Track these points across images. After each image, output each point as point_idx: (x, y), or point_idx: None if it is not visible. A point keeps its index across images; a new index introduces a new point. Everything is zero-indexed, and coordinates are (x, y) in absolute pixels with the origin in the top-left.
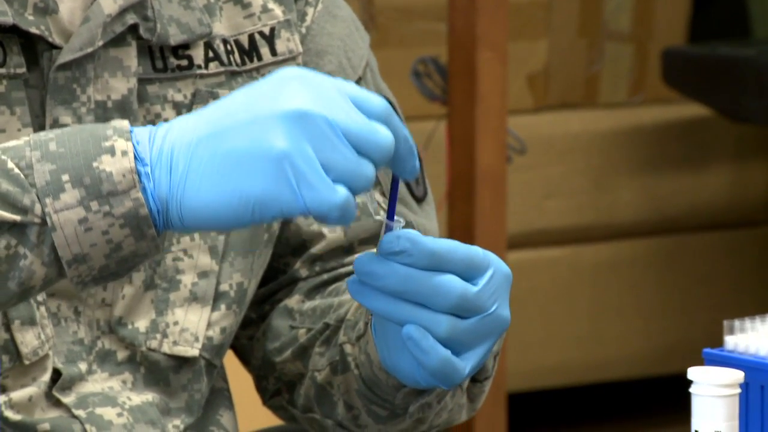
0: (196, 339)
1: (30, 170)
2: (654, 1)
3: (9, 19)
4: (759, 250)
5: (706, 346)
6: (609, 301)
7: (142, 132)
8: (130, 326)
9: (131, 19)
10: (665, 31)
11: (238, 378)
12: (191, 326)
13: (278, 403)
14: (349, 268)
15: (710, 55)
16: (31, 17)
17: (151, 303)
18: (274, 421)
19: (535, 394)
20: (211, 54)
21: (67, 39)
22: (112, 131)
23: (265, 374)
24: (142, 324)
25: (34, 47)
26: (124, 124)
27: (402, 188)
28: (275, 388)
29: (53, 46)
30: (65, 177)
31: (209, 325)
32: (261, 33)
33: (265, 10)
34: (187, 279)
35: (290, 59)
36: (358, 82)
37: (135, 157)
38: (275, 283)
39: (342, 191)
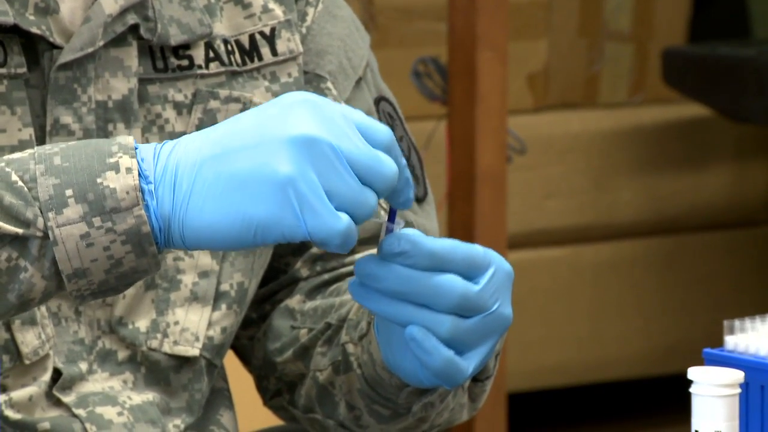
0: (197, 339)
1: (34, 183)
2: (654, 1)
3: (10, 19)
4: (759, 250)
5: (706, 346)
6: (609, 301)
7: (146, 149)
8: (130, 326)
9: (132, 19)
10: (665, 31)
11: (238, 378)
12: (192, 326)
13: (279, 404)
14: (350, 267)
15: (710, 55)
16: (32, 17)
17: (151, 303)
18: (274, 421)
19: (535, 394)
20: (211, 54)
21: (67, 39)
22: (117, 147)
23: (266, 374)
24: (142, 324)
25: (34, 47)
26: (129, 140)
27: None
28: (276, 388)
29: (54, 46)
30: (69, 192)
31: (210, 324)
32: (261, 33)
33: (265, 10)
34: (188, 279)
35: (291, 59)
36: (359, 82)
37: (139, 175)
38: (276, 283)
39: (344, 219)
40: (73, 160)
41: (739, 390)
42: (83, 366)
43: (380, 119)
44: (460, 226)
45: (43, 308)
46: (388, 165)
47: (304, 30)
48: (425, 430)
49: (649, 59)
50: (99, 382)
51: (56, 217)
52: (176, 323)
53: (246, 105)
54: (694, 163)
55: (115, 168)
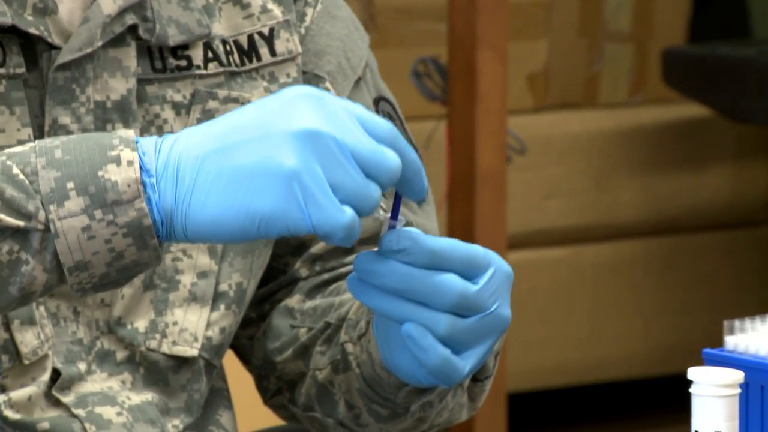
0: (196, 339)
1: (35, 177)
2: (654, 1)
3: (8, 19)
4: (759, 250)
5: (706, 346)
6: (609, 301)
7: (147, 143)
8: (129, 326)
9: (130, 19)
10: (665, 31)
11: (238, 378)
12: (190, 326)
13: (279, 403)
14: (350, 267)
15: (710, 55)
16: (30, 18)
17: (150, 303)
18: (274, 421)
19: (535, 394)
20: (210, 54)
21: (66, 39)
22: (118, 140)
23: (266, 374)
24: (141, 324)
25: (33, 47)
26: (130, 133)
27: None
28: (276, 387)
29: (52, 47)
30: (70, 185)
31: (208, 325)
32: (260, 33)
33: (264, 10)
34: (187, 279)
35: (289, 60)
36: (358, 82)
37: (140, 168)
38: (275, 283)
39: (349, 212)
40: (74, 153)
41: (739, 390)
42: (82, 366)
43: None
44: (460, 227)
45: (41, 308)
46: (391, 158)
47: (302, 30)
48: (425, 430)
49: (649, 59)
50: (98, 383)
51: (57, 209)
52: (175, 323)
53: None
54: (694, 163)
55: (117, 161)
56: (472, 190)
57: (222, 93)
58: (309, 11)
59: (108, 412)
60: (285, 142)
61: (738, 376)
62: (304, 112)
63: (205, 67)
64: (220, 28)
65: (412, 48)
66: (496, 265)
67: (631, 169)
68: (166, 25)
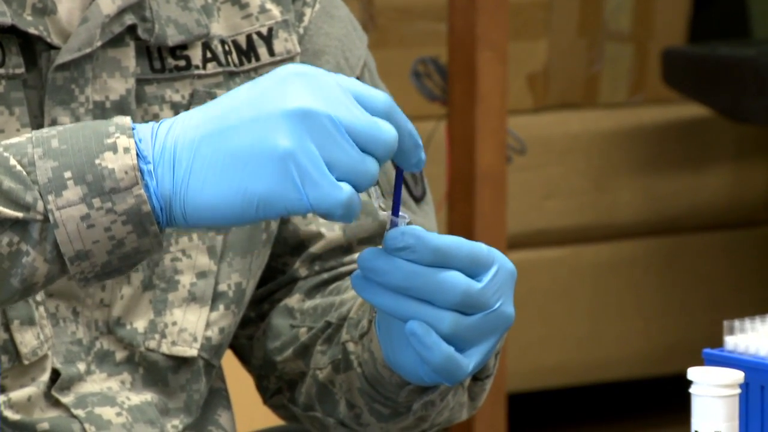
0: (195, 339)
1: (32, 167)
2: (654, 1)
3: (8, 19)
4: (759, 250)
5: (706, 346)
6: (609, 301)
7: (144, 129)
8: (128, 326)
9: (129, 19)
10: (665, 31)
11: (238, 378)
12: (190, 326)
13: (279, 402)
14: (349, 267)
15: (710, 55)
16: (29, 18)
17: (149, 303)
18: (274, 421)
19: (535, 395)
20: (209, 54)
21: (65, 39)
22: (114, 128)
23: (266, 373)
24: (140, 324)
25: (32, 48)
26: (126, 120)
27: None
28: (276, 387)
29: (52, 47)
30: (67, 174)
31: (208, 325)
32: (259, 33)
33: (262, 10)
34: (186, 279)
35: (288, 59)
36: None
37: (137, 154)
38: (274, 282)
39: (346, 189)
40: (70, 142)
41: (738, 390)
42: (81, 366)
43: None
44: (459, 227)
45: (41, 309)
46: (387, 131)
47: (301, 30)
48: (425, 429)
49: (649, 59)
50: (97, 383)
51: (56, 199)
52: (174, 324)
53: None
54: (694, 163)
55: (113, 148)
56: (472, 190)
57: (221, 93)
58: (307, 11)
59: (107, 412)
60: (278, 122)
61: (738, 376)
62: (296, 90)
63: (204, 67)
64: (218, 28)
65: (412, 48)
66: (500, 262)
67: (631, 170)
68: (164, 25)
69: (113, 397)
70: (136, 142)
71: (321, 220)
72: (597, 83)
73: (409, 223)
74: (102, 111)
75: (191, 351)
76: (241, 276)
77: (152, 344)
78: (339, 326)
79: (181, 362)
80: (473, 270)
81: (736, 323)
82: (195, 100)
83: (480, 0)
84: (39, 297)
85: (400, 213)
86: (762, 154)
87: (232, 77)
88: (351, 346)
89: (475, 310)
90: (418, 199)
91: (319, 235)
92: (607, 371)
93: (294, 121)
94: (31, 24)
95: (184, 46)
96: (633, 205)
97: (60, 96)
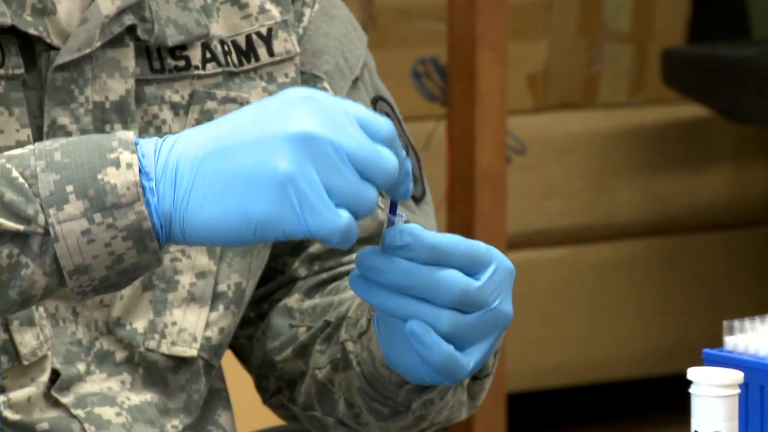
0: (195, 339)
1: (34, 180)
2: (654, 1)
3: (7, 20)
4: (759, 250)
5: (706, 346)
6: (609, 301)
7: (147, 144)
8: (128, 327)
9: (129, 20)
10: (665, 31)
11: (238, 378)
12: (189, 326)
13: (279, 402)
14: (349, 267)
15: (710, 55)
16: (29, 18)
17: (149, 303)
18: (273, 421)
19: (535, 394)
20: (208, 55)
21: (65, 40)
22: (118, 143)
23: (265, 373)
24: (140, 324)
25: (32, 48)
26: (129, 135)
27: None
28: (276, 386)
29: (51, 47)
30: (69, 188)
31: (207, 325)
32: (258, 34)
33: (262, 10)
34: (185, 279)
35: (287, 60)
36: (356, 82)
37: (140, 170)
38: (274, 282)
39: (345, 215)
40: (73, 155)
41: (738, 390)
42: (81, 367)
43: None
44: (459, 227)
45: (41, 309)
46: (388, 159)
47: (300, 30)
48: (424, 428)
49: (649, 59)
50: (97, 383)
51: (57, 213)
52: (174, 324)
53: (243, 106)
54: (694, 163)
55: (116, 163)
56: (471, 190)
57: (220, 93)
58: (307, 11)
59: (107, 412)
60: (280, 145)
61: (737, 376)
62: (300, 114)
63: (204, 68)
64: (218, 29)
65: (412, 48)
66: (498, 261)
67: (631, 170)
68: (164, 25)
69: (113, 397)
70: (139, 158)
71: None
72: (597, 83)
73: (406, 221)
74: (101, 111)
75: (191, 351)
76: (240, 276)
77: (152, 344)
78: (338, 325)
79: (180, 362)
80: (471, 268)
81: (736, 323)
82: (194, 100)
83: (480, 0)
84: None
85: (398, 212)
86: (762, 154)
87: (231, 77)
88: (350, 346)
89: (474, 308)
90: (417, 200)
91: None
92: (607, 371)
93: (296, 145)
94: (31, 24)
95: (183, 47)
96: (633, 205)
97: (59, 96)
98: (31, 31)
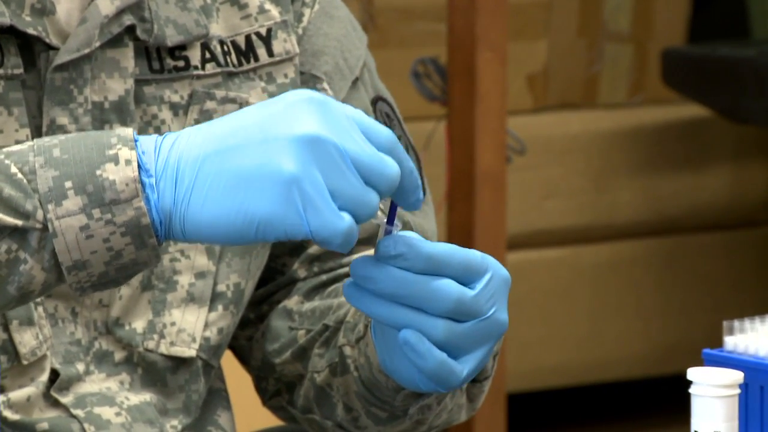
0: (194, 339)
1: (33, 176)
2: (654, 1)
3: (6, 20)
4: (759, 250)
5: (706, 346)
6: (609, 301)
7: (147, 141)
8: (127, 327)
9: (128, 20)
10: (665, 31)
11: (237, 378)
12: (188, 327)
13: (278, 404)
14: (348, 268)
15: (710, 56)
16: (28, 18)
17: (148, 304)
18: (273, 421)
19: (535, 395)
20: (207, 55)
21: (64, 40)
22: (117, 139)
23: (264, 375)
24: (139, 325)
25: (31, 48)
26: (128, 132)
27: None
28: (275, 388)
29: (50, 47)
30: (68, 184)
31: (206, 325)
32: (258, 34)
33: (261, 11)
34: (184, 280)
35: (287, 60)
36: (355, 82)
37: (139, 167)
38: (273, 284)
39: (347, 219)
40: (72, 152)
41: (738, 390)
42: (80, 367)
43: (377, 119)
44: (459, 227)
45: (40, 309)
46: (391, 166)
47: (300, 31)
48: (423, 431)
49: (649, 59)
50: (96, 383)
51: (56, 208)
52: (173, 324)
53: (242, 106)
54: (694, 163)
55: (115, 160)
56: (471, 190)
57: (220, 93)
58: (306, 11)
59: (107, 412)
60: (285, 146)
61: (737, 376)
62: (305, 117)
63: (203, 68)
64: (217, 29)
65: (412, 48)
66: (494, 270)
67: (631, 170)
68: (163, 25)
69: (112, 397)
70: (138, 155)
71: None
72: (597, 83)
73: (404, 226)
74: (101, 111)
75: (190, 351)
76: (239, 276)
77: (151, 344)
78: (336, 329)
79: (179, 362)
80: (466, 277)
81: (736, 323)
82: (194, 100)
83: (480, 0)
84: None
85: (395, 221)
86: (762, 155)
87: (230, 78)
88: (348, 350)
89: (469, 317)
90: None
91: None
92: (607, 371)
93: (301, 146)
94: (30, 24)
95: (183, 47)
96: (633, 205)
97: (59, 96)
98: (30, 31)
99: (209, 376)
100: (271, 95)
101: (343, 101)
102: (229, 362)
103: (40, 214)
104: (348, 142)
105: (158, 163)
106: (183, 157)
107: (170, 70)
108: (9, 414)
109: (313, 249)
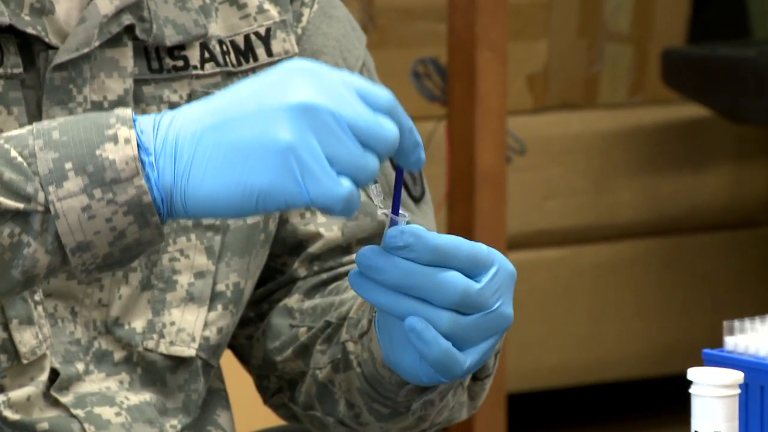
0: (193, 339)
1: (33, 158)
2: (654, 2)
3: (6, 19)
4: (759, 250)
5: (706, 346)
6: (609, 301)
7: (145, 121)
8: (126, 326)
9: (127, 19)
10: (665, 31)
11: (237, 378)
12: (188, 326)
13: (279, 402)
14: (348, 267)
15: (710, 56)
16: (27, 18)
17: (147, 303)
18: (273, 421)
19: (535, 395)
20: (206, 55)
21: (63, 39)
22: (115, 119)
23: (266, 373)
24: (138, 324)
25: (30, 47)
26: (127, 112)
27: None
28: (276, 386)
29: (50, 47)
30: (68, 165)
31: (206, 325)
32: (257, 34)
33: (260, 10)
34: (184, 279)
35: (286, 60)
36: None
37: (138, 146)
38: (273, 283)
39: (346, 184)
40: (71, 133)
41: (738, 390)
42: (80, 366)
43: None
44: (459, 227)
45: (39, 308)
46: (388, 128)
47: (299, 30)
48: (425, 429)
49: (649, 60)
50: (96, 383)
51: (57, 190)
52: (172, 324)
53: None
54: (694, 163)
55: (114, 139)
56: (471, 190)
57: None
58: (306, 11)
59: (107, 412)
60: (280, 115)
61: (738, 376)
62: (300, 85)
63: (202, 68)
64: (216, 29)
65: (412, 48)
66: (500, 263)
67: (631, 170)
68: (162, 25)
69: (112, 396)
70: (137, 134)
71: (320, 220)
72: (597, 84)
73: (408, 222)
74: (100, 111)
75: (189, 351)
76: (239, 276)
77: (150, 344)
78: (339, 326)
79: (179, 362)
80: (473, 270)
81: (736, 323)
82: (193, 100)
83: (480, 0)
84: (37, 296)
85: (400, 212)
86: (762, 155)
87: (230, 77)
88: (350, 346)
89: (474, 310)
90: (417, 200)
91: (317, 235)
92: (607, 371)
93: (296, 115)
94: (29, 24)
95: (182, 47)
96: (633, 205)
97: (58, 96)
98: (30, 30)
99: (209, 375)
100: None
101: None
102: (229, 362)
103: (41, 197)
104: (343, 107)
105: (157, 141)
106: (181, 133)
107: (169, 69)
108: (9, 413)
109: (313, 248)
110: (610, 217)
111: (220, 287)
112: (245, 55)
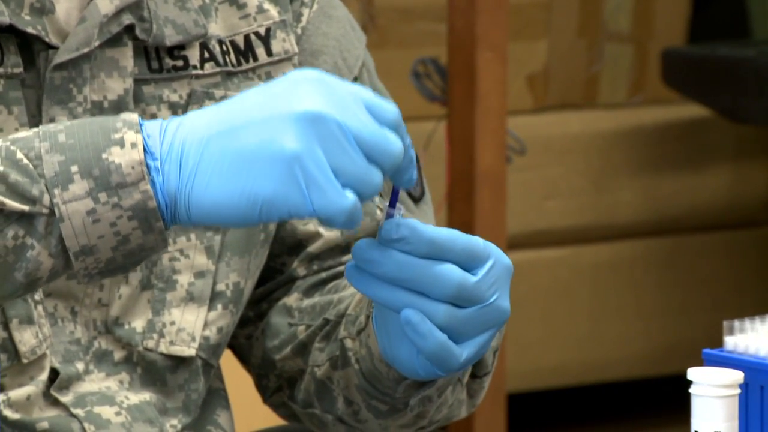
0: (193, 339)
1: (39, 161)
2: (654, 2)
3: (6, 19)
4: (759, 250)
5: (706, 346)
6: (609, 301)
7: (152, 126)
8: (126, 326)
9: (127, 19)
10: (665, 31)
11: (237, 378)
12: (188, 326)
13: (279, 400)
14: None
15: (710, 56)
16: (27, 17)
17: (147, 303)
18: (273, 421)
19: (535, 395)
20: (206, 54)
21: (63, 39)
22: (122, 123)
23: (265, 372)
24: (138, 324)
25: (30, 47)
26: (134, 117)
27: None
28: (276, 385)
29: (50, 46)
30: (74, 168)
31: (206, 324)
32: (256, 33)
33: (260, 10)
34: (184, 279)
35: (286, 60)
36: (354, 82)
37: (144, 150)
38: (273, 282)
39: (350, 196)
40: (77, 136)
41: (738, 390)
42: (80, 366)
43: None
44: (459, 227)
45: (39, 308)
46: (394, 143)
47: (299, 30)
48: (424, 426)
49: (649, 60)
50: (96, 382)
51: (62, 193)
52: (172, 323)
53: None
54: (694, 163)
55: (120, 143)
56: (471, 190)
57: (218, 93)
58: (305, 11)
59: (107, 411)
60: (287, 125)
61: (737, 376)
62: (307, 95)
63: (202, 68)
64: (216, 29)
65: (412, 48)
66: (496, 257)
67: (631, 170)
68: (162, 25)
69: (112, 396)
70: (144, 138)
71: None
72: (597, 84)
73: (404, 215)
74: (100, 111)
75: (189, 351)
76: (239, 276)
77: (150, 344)
78: (337, 323)
79: (179, 362)
80: (469, 263)
81: (736, 323)
82: (193, 100)
83: (480, 0)
84: (37, 296)
85: (396, 204)
86: (762, 155)
87: (229, 77)
88: (348, 343)
89: (470, 303)
90: (416, 200)
91: (317, 235)
92: (607, 371)
93: (303, 124)
94: (29, 23)
95: (181, 47)
96: (633, 205)
97: (58, 95)
98: (30, 30)
99: (209, 375)
100: None
101: None
102: (228, 362)
103: (46, 199)
104: (350, 119)
105: (163, 146)
106: (187, 140)
107: (169, 69)
108: (9, 413)
109: (313, 247)
110: (610, 217)
111: (220, 287)
112: (245, 55)
